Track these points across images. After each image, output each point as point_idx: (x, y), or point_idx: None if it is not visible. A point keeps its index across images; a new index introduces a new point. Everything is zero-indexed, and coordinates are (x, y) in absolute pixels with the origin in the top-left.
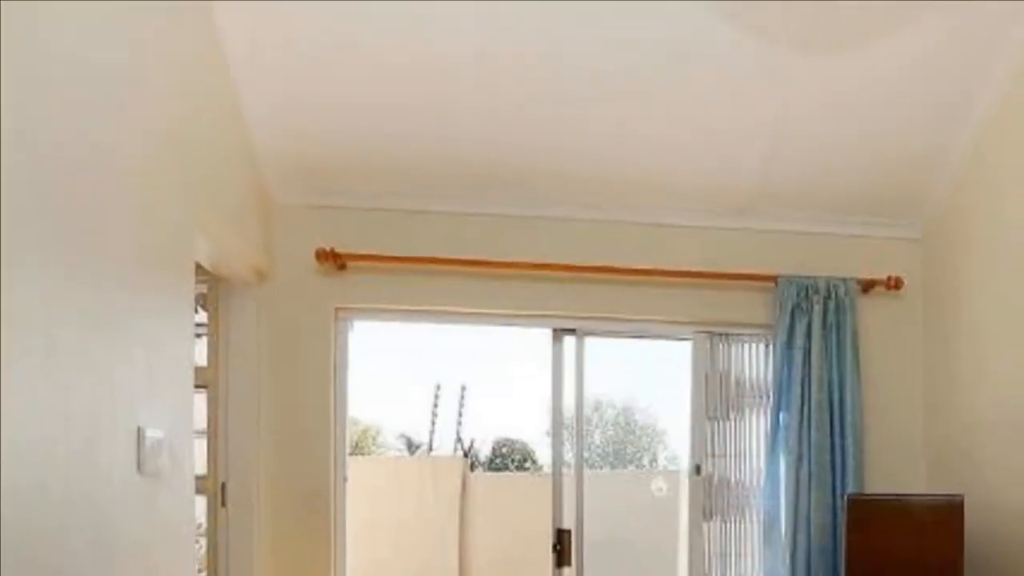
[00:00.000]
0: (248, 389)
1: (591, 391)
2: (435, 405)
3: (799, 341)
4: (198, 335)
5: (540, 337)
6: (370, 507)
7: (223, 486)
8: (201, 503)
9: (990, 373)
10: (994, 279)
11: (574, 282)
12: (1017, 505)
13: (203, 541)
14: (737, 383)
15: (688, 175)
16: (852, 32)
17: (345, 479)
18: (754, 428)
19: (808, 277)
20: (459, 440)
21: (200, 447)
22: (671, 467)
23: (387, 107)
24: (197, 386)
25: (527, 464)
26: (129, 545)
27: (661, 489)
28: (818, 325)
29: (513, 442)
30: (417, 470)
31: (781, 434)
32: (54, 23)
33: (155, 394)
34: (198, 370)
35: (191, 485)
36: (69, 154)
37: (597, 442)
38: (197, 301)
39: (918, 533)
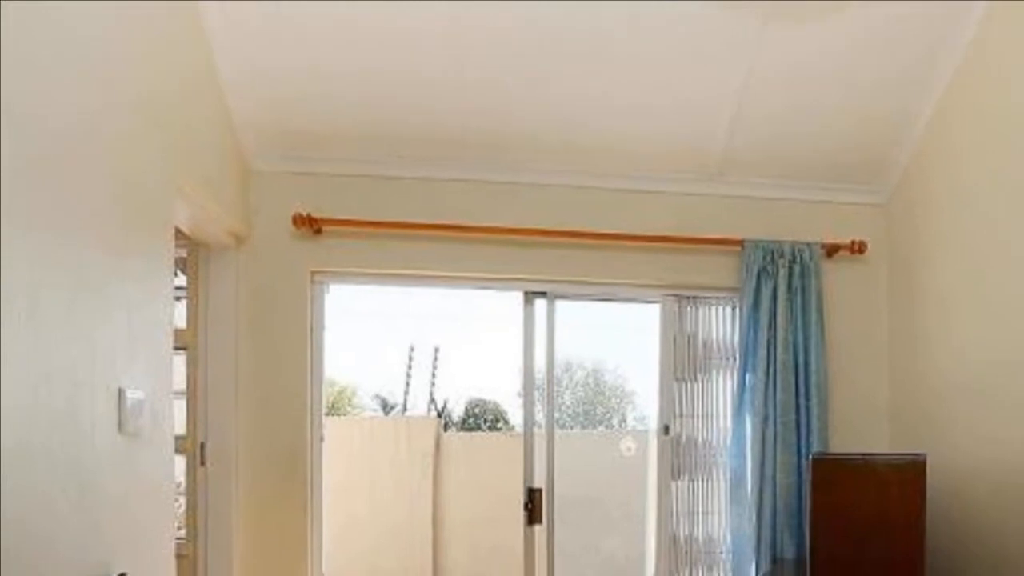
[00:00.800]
0: (226, 351)
1: (562, 353)
2: (409, 367)
3: (765, 304)
4: (177, 298)
5: (512, 300)
6: (346, 466)
7: (202, 446)
8: (180, 462)
9: (953, 336)
10: (957, 243)
11: (545, 246)
12: (978, 465)
13: (182, 499)
14: (704, 345)
15: (657, 142)
16: (816, 2)
17: (321, 439)
18: (721, 389)
19: (774, 241)
20: (432, 401)
21: (180, 408)
22: (640, 427)
23: (362, 74)
24: (176, 348)
25: (499, 424)
26: (110, 503)
27: (630, 449)
28: (783, 288)
29: (485, 403)
30: (392, 430)
31: (747, 395)
32: None
33: (135, 356)
34: (177, 332)
35: (171, 445)
36: (51, 122)
37: (568, 403)
38: (176, 265)
39: (881, 492)
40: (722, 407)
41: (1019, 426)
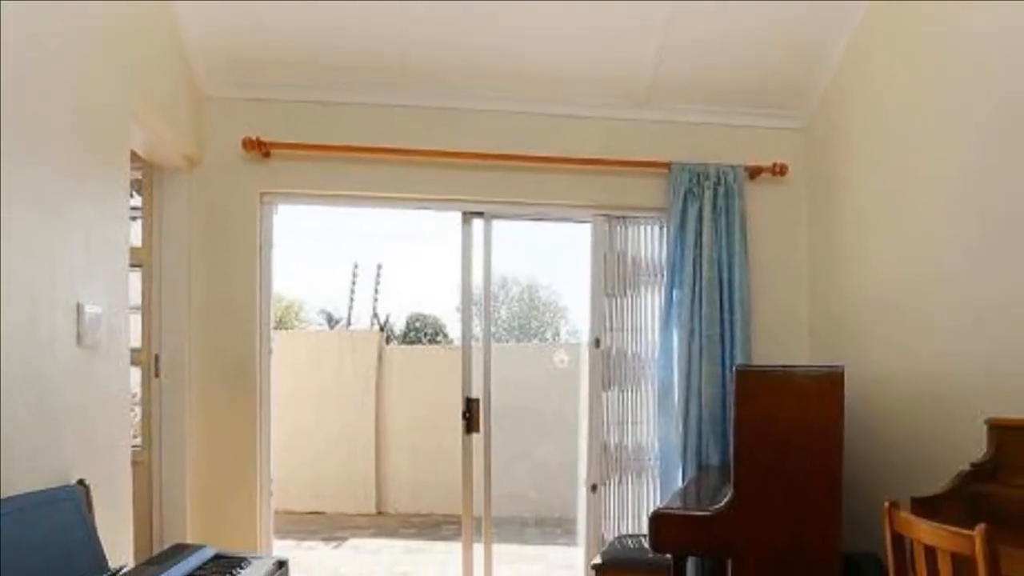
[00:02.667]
0: (180, 268)
1: (498, 270)
2: (353, 283)
3: (691, 224)
4: (133, 218)
5: (451, 220)
6: (293, 377)
7: (156, 358)
8: (136, 374)
9: (869, 254)
10: (873, 167)
11: (482, 169)
12: (891, 375)
13: (138, 409)
14: (633, 263)
15: (588, 69)
16: None
17: (270, 351)
18: (649, 304)
19: (699, 164)
20: (375, 315)
21: (135, 322)
22: (572, 340)
23: (310, 4)
24: (132, 265)
25: (439, 337)
26: (69, 413)
27: (563, 361)
28: (708, 209)
29: (425, 317)
30: (336, 343)
31: (674, 310)
32: None
33: (93, 272)
34: (133, 250)
35: (127, 357)
36: (13, 51)
37: (504, 317)
38: (132, 186)
39: (801, 402)
40: (650, 321)
41: (928, 339)
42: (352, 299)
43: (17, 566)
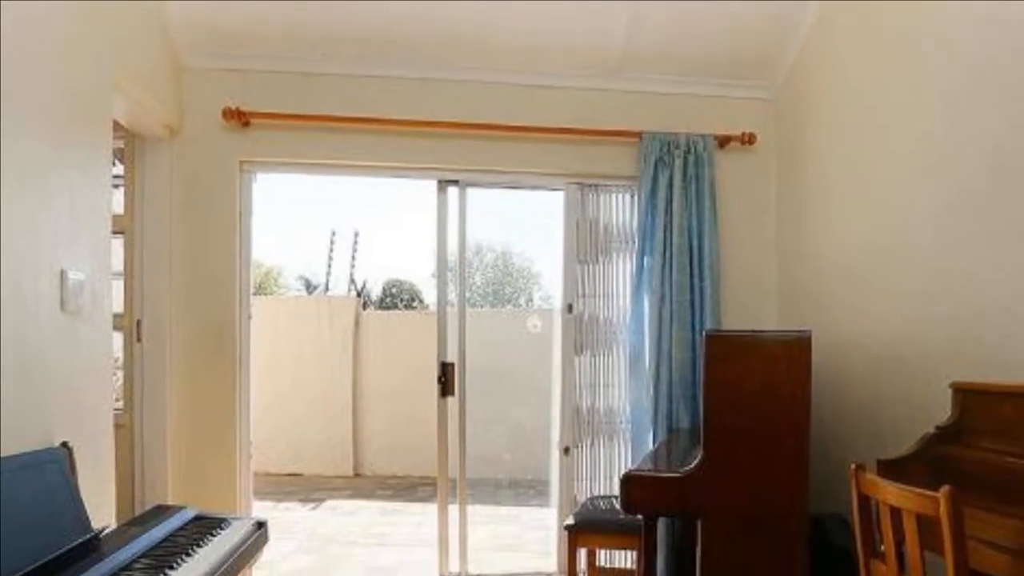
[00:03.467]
0: (161, 235)
1: (473, 237)
2: (331, 249)
3: (662, 192)
4: (115, 186)
5: (426, 188)
6: (272, 342)
7: (138, 323)
8: (118, 338)
9: (836, 221)
10: (840, 135)
11: (457, 138)
12: (857, 340)
13: (120, 373)
14: (605, 230)
15: (562, 40)
16: None
17: (249, 317)
18: (620, 271)
19: (670, 133)
20: (352, 281)
21: (118, 288)
22: (545, 306)
23: None
24: (115, 232)
25: (414, 303)
26: (53, 377)
27: (536, 326)
28: (679, 177)
29: (402, 283)
30: (314, 309)
31: (645, 276)
32: None
33: (76, 239)
34: (116, 218)
35: (109, 322)
36: None
37: (478, 283)
38: (115, 155)
39: (769, 366)
40: (622, 287)
41: (894, 304)
42: (330, 265)
43: (2, 526)
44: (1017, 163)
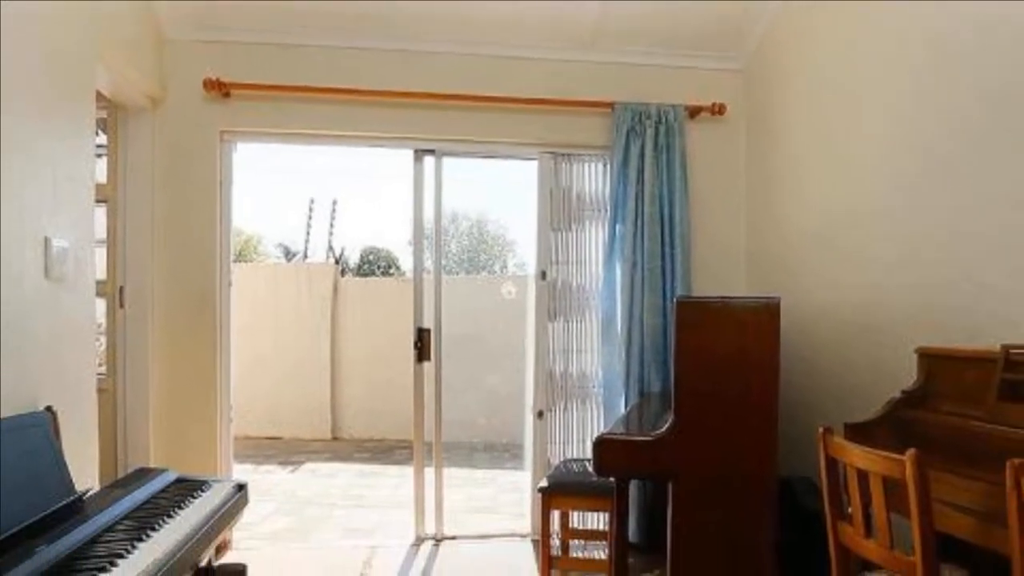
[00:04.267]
0: (143, 203)
1: (448, 205)
2: (309, 217)
3: (633, 161)
4: (99, 155)
5: (403, 157)
6: (252, 309)
7: (121, 290)
8: (101, 305)
9: (804, 190)
10: (809, 105)
11: (433, 108)
12: (825, 306)
13: (103, 339)
14: (578, 198)
15: (536, 12)
16: None
17: (229, 283)
18: (593, 238)
19: (641, 104)
20: (331, 249)
21: (100, 255)
22: (519, 273)
23: None
24: (98, 201)
25: (391, 270)
26: (37, 343)
27: (511, 292)
28: (650, 147)
29: (379, 250)
30: (293, 275)
31: (617, 244)
32: None
33: (60, 208)
34: (99, 186)
35: (92, 289)
36: None
37: (454, 250)
38: (97, 125)
39: (739, 332)
40: (594, 255)
41: (861, 271)
42: (308, 233)
43: None
44: (982, 133)
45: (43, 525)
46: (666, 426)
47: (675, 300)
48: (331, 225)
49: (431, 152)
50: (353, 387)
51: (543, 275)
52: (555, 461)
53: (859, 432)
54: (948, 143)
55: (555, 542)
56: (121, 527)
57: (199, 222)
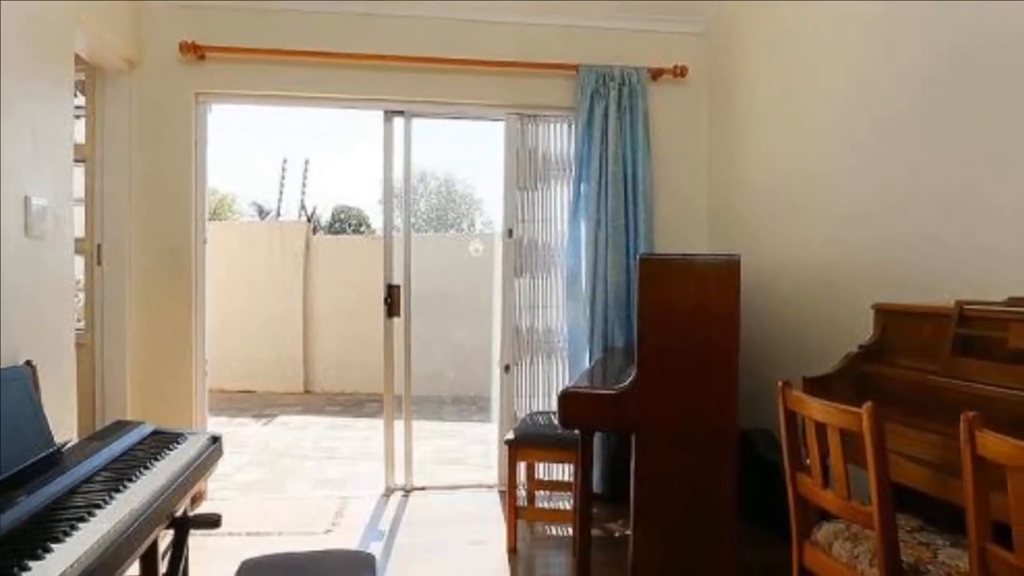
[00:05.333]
0: (120, 163)
1: (417, 165)
2: (282, 177)
3: (597, 122)
4: (77, 116)
5: (374, 118)
6: (226, 266)
7: (99, 247)
8: (80, 262)
9: (764, 151)
10: (769, 67)
11: (403, 70)
12: (785, 263)
13: (81, 295)
14: (544, 158)
15: None
16: None
17: (205, 241)
18: (558, 197)
19: (605, 66)
20: (303, 207)
21: (79, 213)
22: (486, 231)
23: None
24: (76, 160)
25: (362, 228)
26: (17, 299)
27: (478, 250)
28: (614, 108)
29: (350, 209)
30: (267, 233)
31: (582, 202)
32: None
33: (40, 167)
34: (77, 147)
35: (71, 246)
36: None
37: (423, 209)
38: (76, 87)
39: (701, 288)
40: (559, 213)
41: (819, 230)
42: (281, 192)
43: None
44: (937, 94)
45: (24, 476)
46: (629, 380)
47: (638, 257)
48: (303, 184)
49: (400, 113)
50: (325, 342)
51: (509, 233)
52: (521, 414)
53: (817, 385)
54: (905, 102)
55: (521, 492)
56: (99, 478)
57: (175, 181)
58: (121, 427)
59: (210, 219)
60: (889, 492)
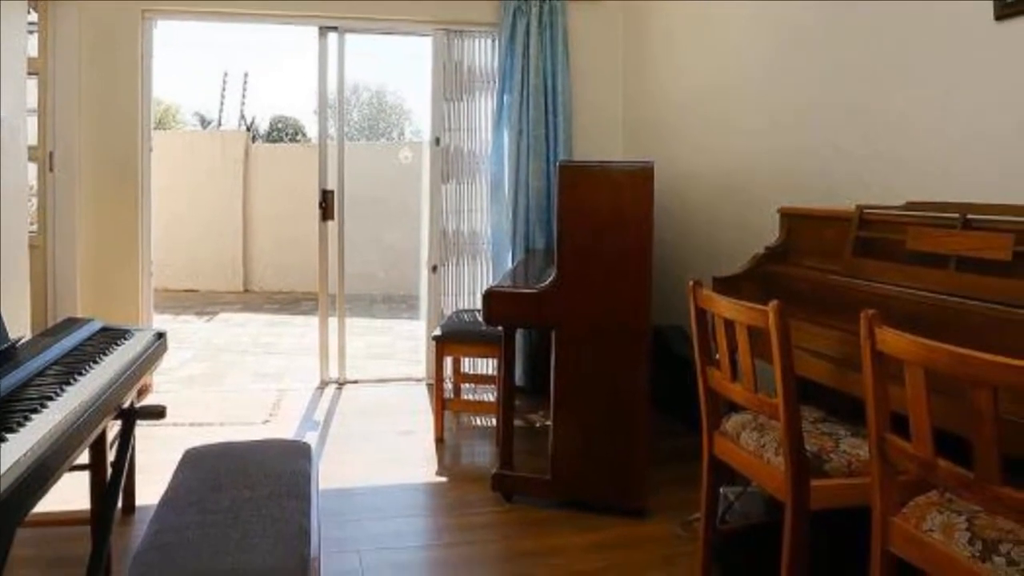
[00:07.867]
0: (71, 76)
1: (350, 78)
2: (223, 89)
3: (520, 38)
4: (30, 32)
5: (309, 33)
6: (170, 172)
7: (51, 155)
8: (33, 169)
9: (676, 64)
10: None
11: None
12: (696, 171)
13: (34, 200)
14: (469, 71)
15: None
16: None
17: (150, 149)
18: (483, 108)
19: None
20: (243, 117)
21: (32, 123)
22: (415, 139)
23: None
24: (30, 73)
25: (298, 137)
26: None
27: (407, 157)
28: (535, 25)
29: (287, 119)
30: (208, 142)
31: (505, 113)
32: None
33: None
34: (30, 60)
35: (24, 154)
36: None
37: (355, 119)
38: (29, 4)
39: (616, 193)
40: (484, 123)
41: (728, 139)
42: (222, 103)
43: None
44: (841, 8)
45: None
46: (549, 280)
47: (558, 164)
48: (243, 96)
49: (334, 29)
50: (263, 244)
51: (437, 141)
52: (448, 312)
53: (726, 285)
54: (805, 19)
55: (448, 385)
56: (51, 372)
57: (122, 93)
58: (72, 324)
59: (155, 129)
60: (793, 385)
